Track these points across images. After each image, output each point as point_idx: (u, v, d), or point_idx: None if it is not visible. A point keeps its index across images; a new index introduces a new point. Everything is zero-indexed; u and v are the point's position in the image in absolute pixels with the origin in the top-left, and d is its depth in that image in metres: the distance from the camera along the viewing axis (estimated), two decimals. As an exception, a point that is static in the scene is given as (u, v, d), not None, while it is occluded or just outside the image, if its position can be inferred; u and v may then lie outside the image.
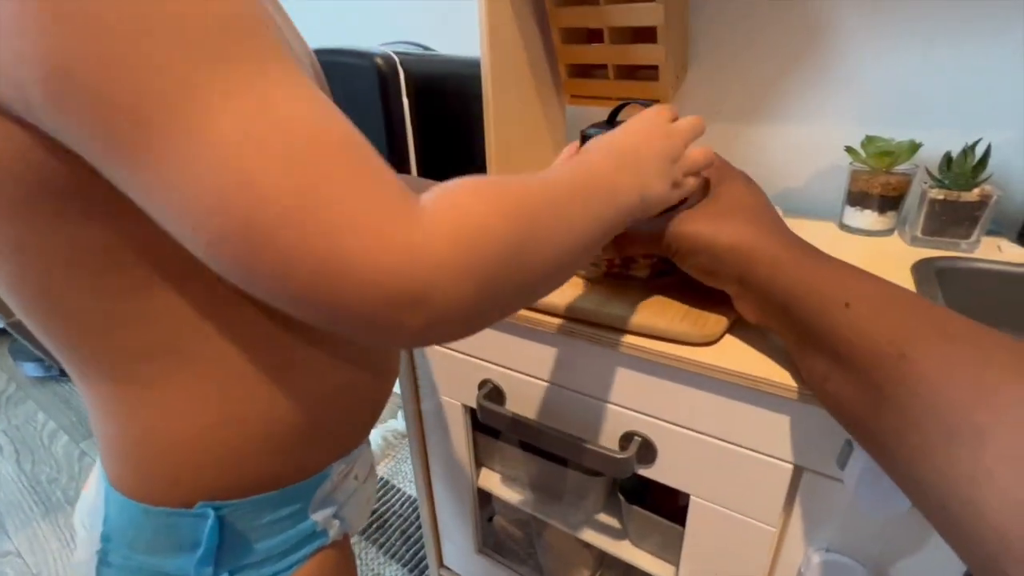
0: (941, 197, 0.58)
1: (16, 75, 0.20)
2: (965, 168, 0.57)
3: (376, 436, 1.42)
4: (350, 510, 0.43)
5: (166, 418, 0.32)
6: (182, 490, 0.33)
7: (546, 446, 0.53)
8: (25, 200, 0.24)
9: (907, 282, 0.51)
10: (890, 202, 0.62)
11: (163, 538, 0.34)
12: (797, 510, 0.43)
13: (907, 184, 0.62)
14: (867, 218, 0.64)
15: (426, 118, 0.74)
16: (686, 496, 0.49)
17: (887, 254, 0.59)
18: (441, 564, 0.85)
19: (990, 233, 0.61)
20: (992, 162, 0.57)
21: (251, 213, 0.20)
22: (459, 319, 0.24)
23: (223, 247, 0.21)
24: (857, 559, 0.41)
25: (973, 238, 0.58)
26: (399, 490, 1.28)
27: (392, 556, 1.12)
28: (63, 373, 1.78)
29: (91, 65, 0.19)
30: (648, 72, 0.72)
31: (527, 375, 0.55)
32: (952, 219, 0.58)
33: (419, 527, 1.17)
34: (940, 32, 0.61)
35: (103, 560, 0.34)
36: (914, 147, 0.60)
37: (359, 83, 0.70)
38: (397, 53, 0.71)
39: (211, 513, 0.33)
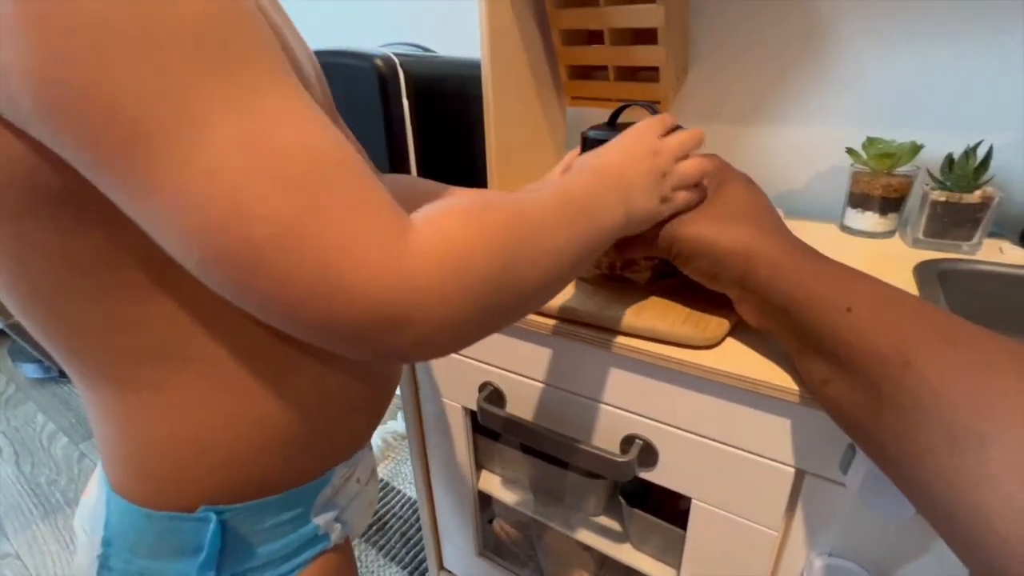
0: (943, 199, 0.58)
1: (6, 85, 0.20)
2: (967, 170, 0.57)
3: (376, 438, 1.42)
4: (352, 513, 0.43)
5: (167, 421, 0.31)
6: (184, 494, 0.33)
7: (547, 449, 0.53)
8: (19, 205, 0.24)
9: (909, 284, 0.51)
10: (891, 204, 0.62)
11: (165, 542, 0.33)
12: (799, 514, 0.43)
13: (908, 186, 0.62)
14: (868, 220, 0.63)
15: (426, 119, 0.74)
16: (687, 499, 0.49)
17: (888, 256, 0.59)
18: (441, 567, 0.84)
19: (992, 235, 0.61)
20: (993, 164, 0.57)
21: (244, 235, 0.20)
22: (445, 339, 0.25)
23: (215, 266, 0.21)
24: (860, 563, 0.41)
25: (975, 240, 0.58)
26: (399, 492, 1.27)
27: (392, 558, 1.11)
28: (62, 374, 1.78)
29: (82, 80, 0.19)
30: (649, 73, 0.72)
31: (528, 378, 0.54)
32: (954, 221, 0.58)
33: (419, 529, 1.16)
34: (941, 33, 0.61)
35: (104, 565, 0.34)
36: (915, 149, 0.60)
37: (359, 84, 0.70)
38: (397, 54, 0.71)
39: (213, 517, 0.33)
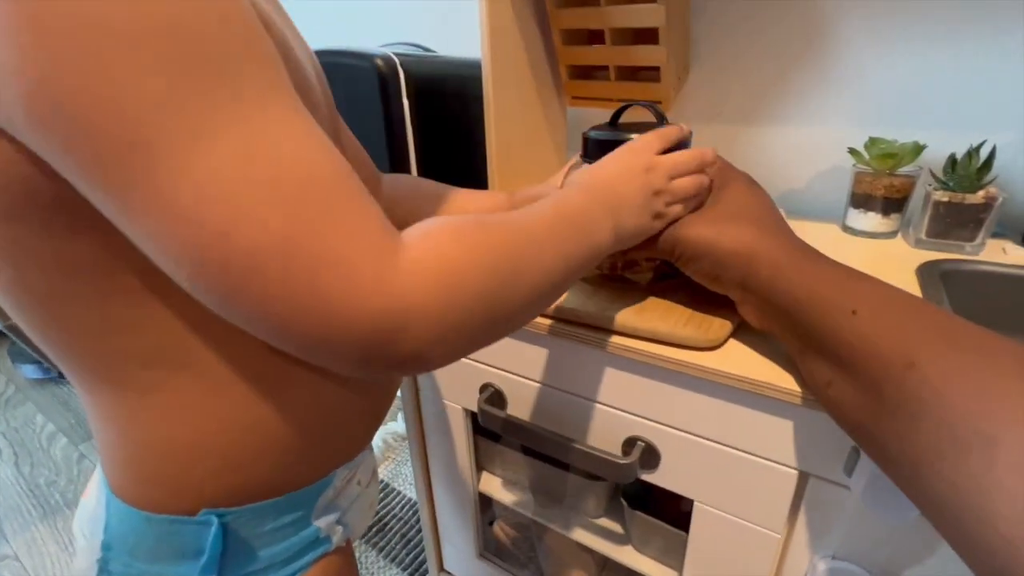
0: (945, 199, 0.57)
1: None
2: (970, 170, 0.57)
3: (376, 439, 1.42)
4: (353, 516, 0.43)
5: (165, 425, 0.31)
6: (184, 497, 0.33)
7: (547, 451, 0.53)
8: (12, 211, 0.24)
9: (911, 285, 0.51)
10: (894, 204, 0.62)
11: (165, 546, 0.33)
12: (803, 516, 0.43)
13: (911, 186, 0.62)
14: (871, 220, 0.63)
15: (426, 119, 0.74)
16: (689, 501, 0.48)
17: (891, 256, 0.59)
18: (441, 568, 0.84)
19: (995, 235, 0.61)
20: (996, 164, 0.57)
21: (235, 252, 0.20)
22: (436, 356, 0.25)
23: (205, 281, 0.21)
24: (864, 567, 0.41)
25: (978, 240, 0.57)
26: (399, 493, 1.27)
27: (392, 560, 1.11)
28: (62, 375, 1.78)
29: (75, 93, 0.19)
30: (649, 73, 0.71)
31: (528, 379, 0.54)
32: (957, 221, 0.58)
33: (419, 531, 1.16)
34: (942, 33, 0.61)
35: (104, 568, 0.34)
36: (918, 149, 0.60)
37: (359, 84, 0.70)
38: (397, 54, 0.70)
39: (215, 520, 0.33)
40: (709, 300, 0.43)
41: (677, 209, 0.39)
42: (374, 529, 1.18)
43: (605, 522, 0.63)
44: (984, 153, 0.57)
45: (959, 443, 0.25)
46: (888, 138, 0.62)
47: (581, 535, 0.63)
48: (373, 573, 1.08)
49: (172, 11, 0.19)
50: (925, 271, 0.53)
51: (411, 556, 1.11)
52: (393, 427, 1.47)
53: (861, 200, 0.64)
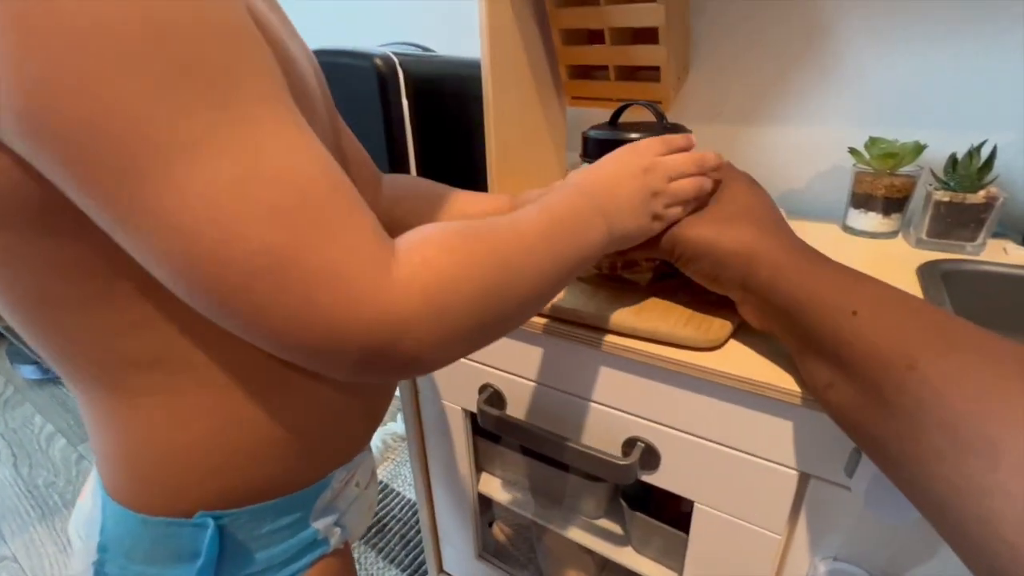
0: (946, 199, 0.57)
1: None
2: (970, 170, 0.57)
3: (375, 439, 1.42)
4: (351, 517, 0.43)
5: (159, 427, 0.31)
6: (181, 499, 0.32)
7: (546, 451, 0.52)
8: (3, 217, 0.24)
9: (912, 285, 0.51)
10: (894, 204, 0.62)
11: (161, 548, 0.33)
12: (803, 518, 0.42)
13: (912, 186, 0.61)
14: (871, 220, 0.63)
15: (426, 119, 0.74)
16: (689, 502, 0.48)
17: (891, 256, 0.58)
18: (440, 569, 0.84)
19: (996, 235, 0.61)
20: (997, 164, 0.57)
21: (232, 264, 0.21)
22: (431, 362, 0.26)
23: (201, 292, 0.22)
24: (865, 568, 0.41)
25: (979, 240, 0.57)
26: (399, 494, 1.27)
27: (391, 561, 1.11)
28: (61, 376, 1.77)
29: (65, 107, 0.18)
30: (649, 73, 0.71)
31: (528, 379, 0.54)
32: (957, 221, 0.57)
33: (419, 532, 1.16)
34: (942, 33, 0.61)
35: (99, 571, 0.33)
36: (919, 148, 0.60)
37: (358, 84, 0.70)
38: (396, 54, 0.70)
39: (211, 523, 0.33)
40: (709, 300, 0.43)
41: (676, 211, 0.39)
42: (373, 530, 1.18)
43: (605, 523, 0.63)
44: (985, 153, 0.57)
45: (960, 444, 0.25)
46: (889, 138, 0.62)
47: (581, 536, 0.62)
48: (372, 574, 1.08)
49: (164, 21, 0.19)
50: (926, 271, 0.53)
51: (410, 557, 1.11)
52: (392, 428, 1.47)
53: (862, 200, 0.63)
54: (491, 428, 0.55)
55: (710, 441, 0.44)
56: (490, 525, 0.83)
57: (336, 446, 0.39)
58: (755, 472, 0.43)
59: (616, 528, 0.62)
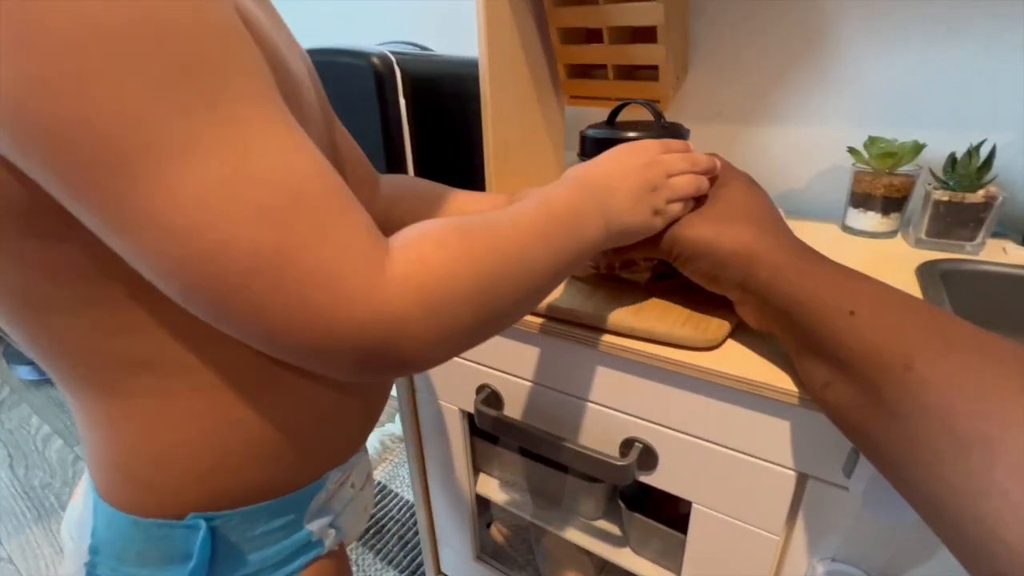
0: (945, 198, 0.57)
1: None
2: (970, 169, 0.57)
3: (373, 440, 1.42)
4: (347, 519, 0.42)
5: (151, 429, 0.31)
6: (171, 501, 0.32)
7: (544, 452, 0.52)
8: None
9: (911, 285, 0.51)
10: (893, 204, 0.62)
11: (153, 550, 0.33)
12: (801, 518, 0.42)
13: (911, 185, 0.61)
14: (870, 220, 0.63)
15: (423, 118, 0.74)
16: (687, 503, 0.48)
17: (891, 256, 0.58)
18: (438, 571, 0.84)
19: (995, 235, 0.60)
20: (996, 163, 0.57)
21: (226, 266, 0.20)
22: (427, 359, 0.26)
23: (195, 294, 0.22)
24: (864, 569, 0.40)
25: (978, 240, 0.57)
26: (397, 495, 1.27)
27: (389, 562, 1.11)
28: (58, 376, 1.77)
29: (52, 110, 0.18)
30: (648, 72, 0.71)
31: (525, 379, 0.54)
32: (957, 221, 0.57)
33: (417, 533, 1.16)
34: (941, 32, 0.61)
35: (91, 573, 0.33)
36: (918, 148, 0.60)
37: (355, 83, 0.69)
38: (394, 53, 0.70)
39: (203, 524, 0.32)
40: (707, 300, 0.43)
41: (677, 207, 0.39)
42: (371, 531, 1.17)
43: (603, 524, 0.63)
44: (984, 152, 0.57)
45: (958, 445, 0.25)
46: (888, 137, 0.61)
47: (579, 537, 0.62)
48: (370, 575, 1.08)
49: (153, 21, 0.19)
50: (925, 271, 0.53)
51: (408, 558, 1.11)
52: (391, 429, 1.46)
53: (861, 200, 0.63)
54: (488, 428, 0.55)
55: (708, 441, 0.44)
56: (488, 526, 0.83)
57: (331, 447, 0.39)
58: (753, 472, 0.42)
59: (614, 529, 0.62)
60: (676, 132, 0.50)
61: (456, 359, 0.59)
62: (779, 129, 0.74)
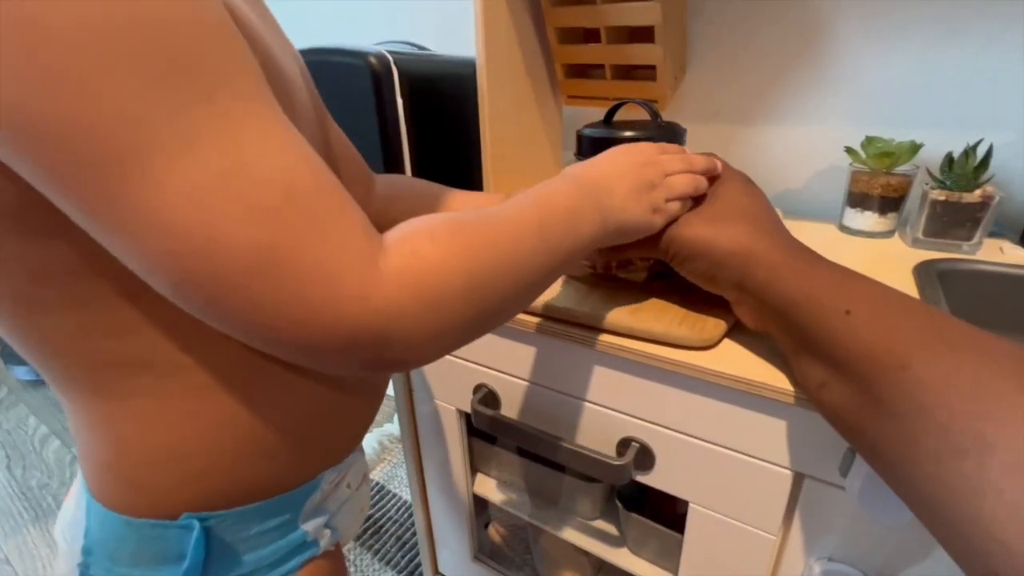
0: (942, 198, 0.57)
1: None
2: (967, 169, 0.57)
3: (372, 440, 1.41)
4: (342, 519, 0.42)
5: (144, 429, 0.31)
6: (165, 501, 0.32)
7: (541, 452, 0.52)
8: None
9: (908, 284, 0.51)
10: (891, 203, 0.62)
11: (147, 550, 0.32)
12: (798, 518, 0.42)
13: (908, 185, 0.61)
14: (867, 219, 0.63)
15: (421, 118, 0.73)
16: (685, 503, 0.48)
17: (888, 256, 0.58)
18: (436, 571, 0.83)
19: (992, 235, 0.60)
20: (993, 163, 0.57)
21: (219, 263, 0.20)
22: (423, 355, 0.26)
23: (188, 290, 0.21)
24: (860, 569, 0.40)
25: (975, 240, 0.57)
26: (395, 495, 1.26)
27: (387, 562, 1.10)
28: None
29: (43, 109, 0.18)
30: (646, 72, 0.71)
31: (522, 379, 0.54)
32: (954, 220, 0.57)
33: (415, 533, 1.15)
34: (939, 32, 0.61)
35: (84, 573, 0.33)
36: (915, 148, 0.60)
37: (353, 83, 0.69)
38: (391, 52, 0.70)
39: (196, 524, 0.32)
40: (704, 300, 0.43)
41: (675, 206, 0.39)
42: (369, 531, 1.17)
43: (600, 524, 0.63)
44: (981, 152, 0.57)
45: (953, 444, 0.25)
46: (885, 137, 0.61)
47: (576, 537, 0.62)
48: (368, 576, 1.08)
49: (145, 19, 0.19)
50: (922, 270, 0.53)
51: (406, 559, 1.11)
52: (389, 429, 1.46)
53: (858, 199, 0.63)
54: (485, 428, 0.55)
55: (705, 441, 0.44)
56: (486, 527, 0.83)
57: (326, 447, 0.38)
58: (750, 472, 0.42)
59: (612, 529, 0.62)
60: (672, 131, 0.50)
61: (453, 358, 0.59)
62: (776, 129, 0.74)
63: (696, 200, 0.41)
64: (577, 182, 0.34)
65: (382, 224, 0.27)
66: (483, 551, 0.77)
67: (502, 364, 0.55)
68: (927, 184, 0.59)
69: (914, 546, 0.38)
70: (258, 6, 0.32)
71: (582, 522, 0.63)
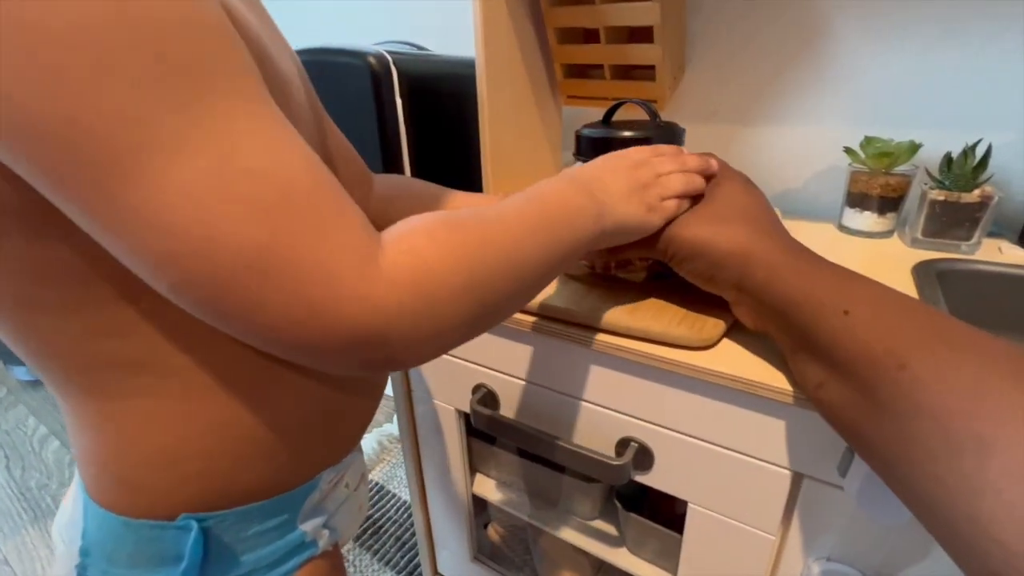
0: (941, 198, 0.57)
1: None
2: (965, 169, 0.57)
3: (371, 440, 1.41)
4: (341, 519, 0.42)
5: (141, 430, 0.31)
6: (162, 502, 0.32)
7: (540, 452, 0.52)
8: None
9: (907, 284, 0.51)
10: (890, 203, 0.62)
11: (144, 551, 0.32)
12: (797, 518, 0.42)
13: (907, 185, 0.61)
14: (866, 220, 0.63)
15: (420, 118, 0.73)
16: (684, 503, 0.48)
17: (887, 256, 0.58)
18: (436, 571, 0.83)
19: (991, 235, 0.60)
20: (992, 163, 0.57)
21: (217, 262, 0.20)
22: (421, 353, 0.26)
23: (186, 290, 0.21)
24: (859, 568, 0.40)
25: (974, 240, 0.57)
26: (394, 495, 1.26)
27: (386, 563, 1.10)
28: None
29: (39, 108, 0.18)
30: (645, 72, 0.71)
31: (521, 379, 0.54)
32: (953, 220, 0.57)
33: (414, 533, 1.15)
34: (938, 32, 0.61)
35: (82, 574, 0.33)
36: (914, 148, 0.60)
37: (352, 83, 0.69)
38: (390, 52, 0.70)
39: (194, 525, 0.32)
40: (702, 300, 0.43)
41: (671, 204, 0.39)
42: (369, 532, 1.17)
43: (600, 524, 0.63)
44: (980, 152, 0.57)
45: (951, 444, 0.25)
46: (884, 137, 0.61)
47: (576, 537, 0.62)
48: (367, 576, 1.08)
49: (141, 19, 0.19)
50: (921, 270, 0.53)
51: (406, 559, 1.11)
52: (388, 429, 1.46)
53: (857, 199, 0.63)
54: (484, 428, 0.55)
55: (704, 441, 0.44)
56: (485, 527, 0.83)
57: (324, 447, 0.38)
58: (748, 472, 0.42)
59: (611, 529, 0.62)
60: (671, 131, 0.50)
61: (452, 358, 0.59)
62: (775, 129, 0.74)
63: (695, 200, 0.41)
64: (574, 182, 0.35)
65: (380, 224, 0.27)
66: (482, 551, 0.77)
67: (501, 364, 0.55)
68: (926, 184, 0.59)
69: (913, 546, 0.38)
70: (255, 6, 0.32)
71: (581, 522, 0.63)
